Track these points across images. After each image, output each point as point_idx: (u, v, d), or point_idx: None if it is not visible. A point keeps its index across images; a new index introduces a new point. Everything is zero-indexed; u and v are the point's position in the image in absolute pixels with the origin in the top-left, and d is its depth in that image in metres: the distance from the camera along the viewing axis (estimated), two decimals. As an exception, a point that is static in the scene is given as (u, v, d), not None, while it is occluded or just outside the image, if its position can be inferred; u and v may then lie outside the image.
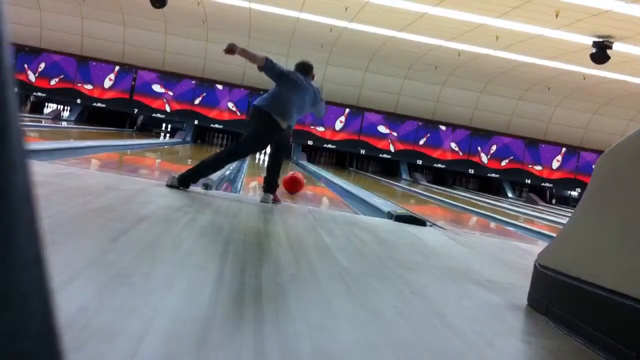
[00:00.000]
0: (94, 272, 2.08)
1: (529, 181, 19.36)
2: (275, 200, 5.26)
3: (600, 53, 12.28)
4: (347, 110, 18.61)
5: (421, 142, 18.98)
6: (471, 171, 19.29)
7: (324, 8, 13.18)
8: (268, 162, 5.49)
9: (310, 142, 18.42)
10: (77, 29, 17.38)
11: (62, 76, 17.83)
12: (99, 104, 17.92)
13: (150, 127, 18.68)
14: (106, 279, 2.00)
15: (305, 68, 5.40)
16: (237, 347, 1.58)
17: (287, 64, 5.72)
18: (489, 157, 19.23)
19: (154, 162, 10.54)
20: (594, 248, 2.35)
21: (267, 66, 5.14)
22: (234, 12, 14.74)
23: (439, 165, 19.10)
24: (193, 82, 18.08)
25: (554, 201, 19.83)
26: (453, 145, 19.10)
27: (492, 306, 2.59)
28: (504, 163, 19.26)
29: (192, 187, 5.15)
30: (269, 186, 5.26)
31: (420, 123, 18.96)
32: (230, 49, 4.98)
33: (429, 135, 19.02)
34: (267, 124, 5.08)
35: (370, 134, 18.76)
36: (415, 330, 2.04)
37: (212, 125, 18.21)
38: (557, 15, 10.85)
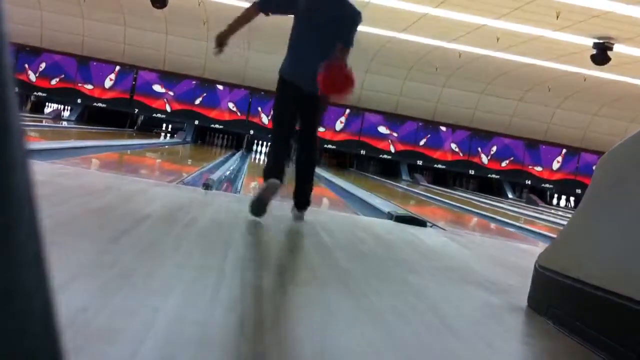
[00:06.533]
0: (95, 273, 2.08)
1: (529, 182, 19.36)
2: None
3: (601, 54, 12.28)
4: (348, 110, 18.61)
5: (421, 142, 18.97)
6: (471, 172, 19.28)
7: (324, 8, 13.17)
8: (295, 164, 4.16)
9: (310, 143, 18.41)
10: (78, 28, 17.38)
11: (62, 76, 17.83)
12: (100, 104, 17.92)
13: (150, 127, 18.68)
14: (106, 279, 2.00)
15: None
16: (237, 348, 1.58)
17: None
18: (489, 158, 19.22)
19: (154, 162, 10.54)
20: (594, 249, 2.35)
21: (265, 7, 4.01)
22: (234, 12, 14.65)
23: (439, 166, 19.10)
24: (193, 82, 18.08)
25: (554, 202, 19.83)
26: (453, 146, 19.10)
27: (492, 307, 2.59)
28: (504, 164, 19.25)
29: (192, 187, 5.14)
30: (300, 201, 4.07)
31: (420, 124, 18.96)
32: (220, 43, 3.93)
33: (429, 136, 19.02)
34: (282, 90, 3.99)
35: (371, 134, 18.75)
36: (415, 332, 2.04)
37: (212, 125, 18.20)
38: (557, 17, 10.85)
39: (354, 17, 3.86)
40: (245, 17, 3.97)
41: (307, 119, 3.99)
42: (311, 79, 3.63)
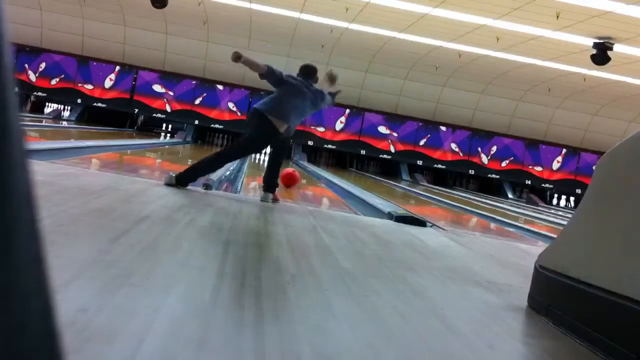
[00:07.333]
0: (94, 273, 2.08)
1: (529, 182, 19.36)
2: (275, 200, 5.35)
3: (601, 54, 12.27)
4: (348, 110, 18.61)
5: (421, 142, 18.98)
6: (471, 172, 19.28)
7: (324, 9, 13.18)
8: (268, 162, 5.57)
9: (310, 143, 18.43)
10: (78, 29, 17.39)
11: (62, 76, 17.84)
12: (100, 104, 17.93)
13: (150, 127, 18.69)
14: (106, 280, 2.00)
15: (307, 71, 5.51)
16: (237, 348, 1.58)
17: (288, 64, 5.78)
18: (489, 157, 19.22)
19: (154, 162, 10.53)
20: (594, 249, 2.35)
21: (268, 73, 5.26)
22: (234, 12, 14.74)
23: (439, 166, 19.10)
24: (193, 82, 18.08)
25: (554, 202, 19.83)
26: (453, 145, 19.10)
27: (492, 307, 2.59)
28: (504, 164, 19.25)
29: (192, 187, 5.15)
30: (269, 185, 5.35)
31: (420, 124, 18.96)
32: (236, 57, 5.05)
33: (429, 136, 19.02)
34: (264, 127, 5.18)
35: (371, 134, 18.76)
36: (415, 332, 2.04)
37: (212, 125, 18.21)
38: (557, 17, 10.85)
39: (323, 99, 5.55)
40: (256, 66, 5.22)
41: (277, 146, 5.35)
42: (286, 119, 5.20)
